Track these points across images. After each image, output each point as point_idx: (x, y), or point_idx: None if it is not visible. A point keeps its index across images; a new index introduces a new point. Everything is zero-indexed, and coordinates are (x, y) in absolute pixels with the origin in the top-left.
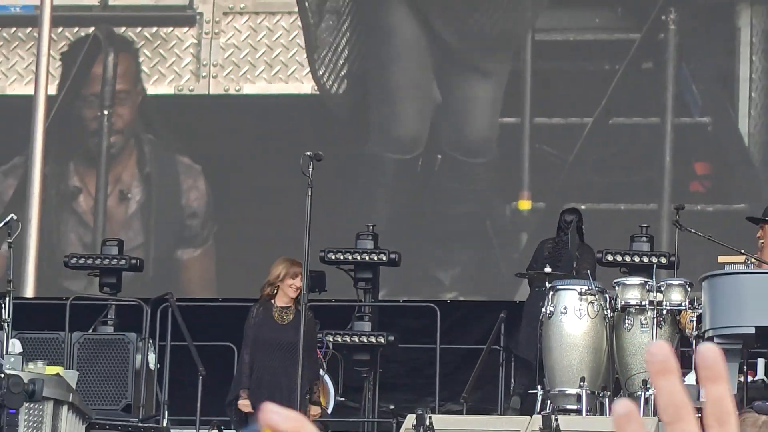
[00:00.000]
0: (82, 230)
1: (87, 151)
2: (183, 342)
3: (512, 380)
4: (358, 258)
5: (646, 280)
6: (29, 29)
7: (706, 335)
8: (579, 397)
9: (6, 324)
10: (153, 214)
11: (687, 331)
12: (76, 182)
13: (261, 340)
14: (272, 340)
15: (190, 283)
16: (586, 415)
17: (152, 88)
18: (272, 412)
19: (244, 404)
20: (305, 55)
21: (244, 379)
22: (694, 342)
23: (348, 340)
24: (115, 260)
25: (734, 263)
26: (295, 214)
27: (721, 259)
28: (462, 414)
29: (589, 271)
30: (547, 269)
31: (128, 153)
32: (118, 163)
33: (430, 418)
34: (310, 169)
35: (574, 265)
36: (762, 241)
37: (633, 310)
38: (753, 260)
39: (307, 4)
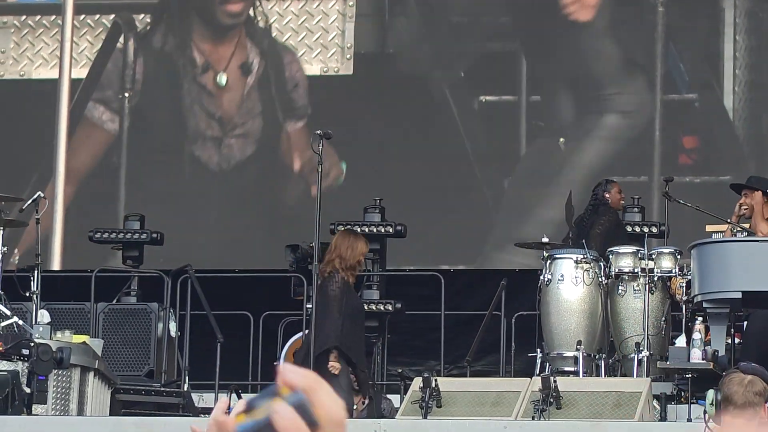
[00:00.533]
0: None
1: None
2: (202, 311)
3: (513, 344)
4: (366, 230)
5: (639, 248)
6: (54, 17)
7: (695, 300)
8: (576, 359)
9: (35, 296)
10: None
11: (677, 296)
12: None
13: (350, 307)
14: (359, 307)
15: (208, 254)
16: (583, 376)
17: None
18: (290, 371)
19: (335, 366)
20: (314, 39)
21: (334, 338)
22: (683, 306)
23: None
24: (137, 234)
25: (721, 231)
26: (307, 190)
27: (709, 228)
28: (466, 376)
29: (599, 233)
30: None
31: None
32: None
33: (435, 380)
34: (321, 147)
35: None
36: (745, 207)
37: (626, 277)
38: (739, 228)
39: None
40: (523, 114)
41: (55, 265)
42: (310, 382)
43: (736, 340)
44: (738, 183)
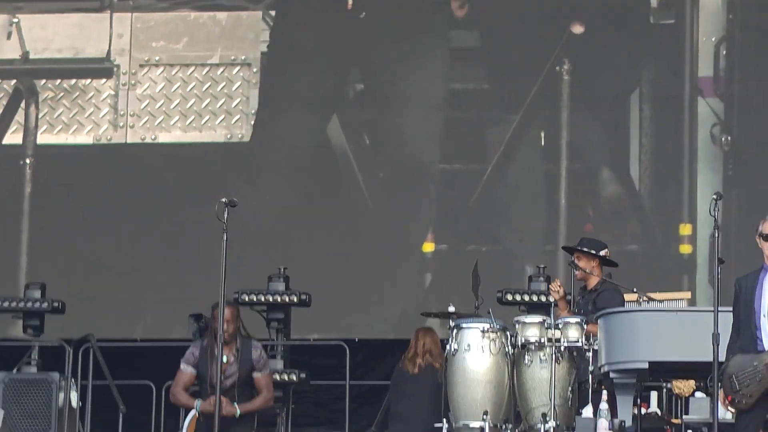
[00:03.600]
0: None
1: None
2: (104, 381)
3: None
4: (270, 299)
5: (545, 318)
6: None
7: (601, 370)
8: (482, 430)
9: None
10: None
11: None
12: None
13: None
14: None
15: (111, 323)
16: None
17: (71, 138)
18: None
19: None
20: (218, 105)
21: None
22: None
23: None
24: (38, 303)
25: (628, 301)
26: (212, 258)
27: None
28: None
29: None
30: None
31: None
32: None
33: None
34: (225, 215)
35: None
36: (577, 271)
37: (532, 347)
38: (645, 299)
39: None
40: (431, 182)
41: None
42: None
43: (643, 410)
44: (569, 246)
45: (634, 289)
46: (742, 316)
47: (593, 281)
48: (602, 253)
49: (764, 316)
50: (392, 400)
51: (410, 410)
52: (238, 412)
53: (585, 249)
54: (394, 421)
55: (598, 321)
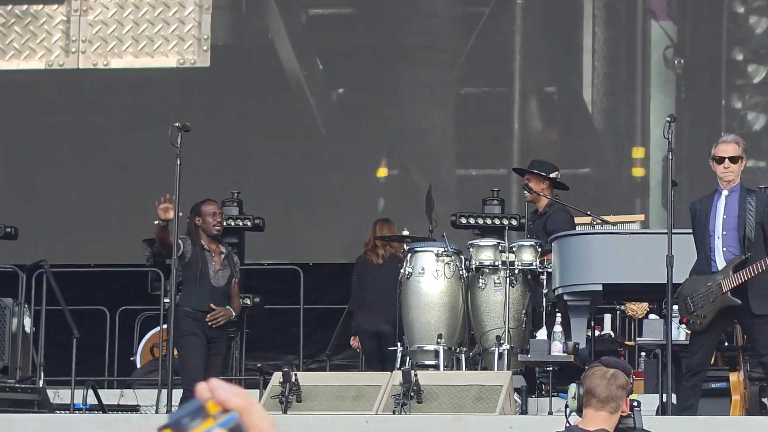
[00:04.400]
0: None
1: None
2: (58, 306)
3: None
4: (224, 223)
5: (499, 241)
6: None
7: (556, 292)
8: (437, 353)
9: None
10: None
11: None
12: None
13: None
14: None
15: (64, 249)
16: (444, 369)
17: (23, 64)
18: (222, 389)
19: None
20: (170, 30)
21: None
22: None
23: None
24: None
25: (582, 224)
26: (165, 184)
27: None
28: (325, 370)
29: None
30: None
31: None
32: None
33: (295, 375)
34: (179, 140)
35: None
36: (529, 193)
37: (487, 270)
38: (598, 221)
39: None
40: (383, 106)
41: None
42: (243, 401)
43: (596, 333)
44: (520, 168)
45: (588, 212)
46: (698, 238)
47: (543, 203)
48: (552, 175)
49: (718, 237)
50: (357, 291)
51: (377, 299)
52: (234, 314)
53: (535, 171)
54: (360, 311)
55: (552, 244)
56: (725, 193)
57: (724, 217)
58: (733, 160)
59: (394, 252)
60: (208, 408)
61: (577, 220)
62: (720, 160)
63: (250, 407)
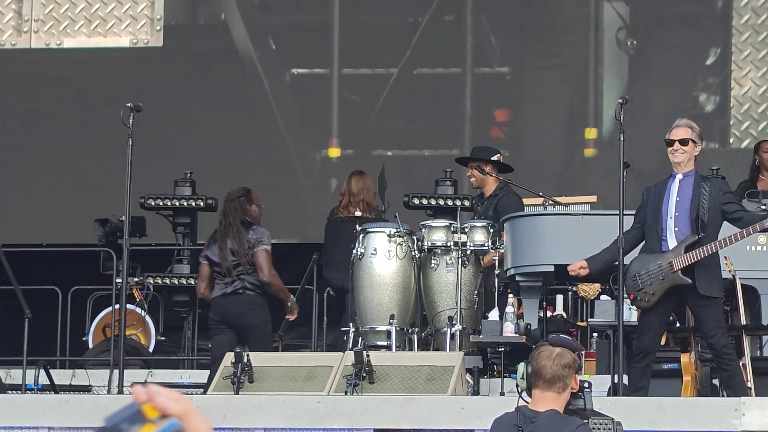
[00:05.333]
0: None
1: None
2: (9, 286)
3: (324, 318)
4: (177, 204)
5: (451, 222)
6: None
7: (508, 273)
8: (389, 333)
9: None
10: None
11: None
12: None
13: None
14: None
15: (16, 228)
16: (396, 350)
17: None
18: (161, 395)
19: None
20: (123, 10)
21: None
22: (496, 280)
23: (168, 282)
24: None
25: (533, 205)
26: (117, 163)
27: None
28: (277, 351)
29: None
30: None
31: None
32: None
33: (247, 355)
34: (131, 120)
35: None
36: (482, 175)
37: (439, 250)
38: (550, 202)
39: None
40: (335, 88)
41: None
42: (183, 407)
43: (548, 313)
44: (463, 157)
45: (540, 193)
46: (649, 219)
47: (491, 186)
48: (495, 158)
49: (670, 218)
50: (327, 247)
51: (346, 256)
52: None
53: (478, 157)
54: (328, 267)
55: (504, 225)
56: (679, 176)
57: (677, 199)
58: (683, 142)
59: (369, 204)
60: (145, 412)
61: (528, 201)
62: (670, 143)
63: (190, 413)
